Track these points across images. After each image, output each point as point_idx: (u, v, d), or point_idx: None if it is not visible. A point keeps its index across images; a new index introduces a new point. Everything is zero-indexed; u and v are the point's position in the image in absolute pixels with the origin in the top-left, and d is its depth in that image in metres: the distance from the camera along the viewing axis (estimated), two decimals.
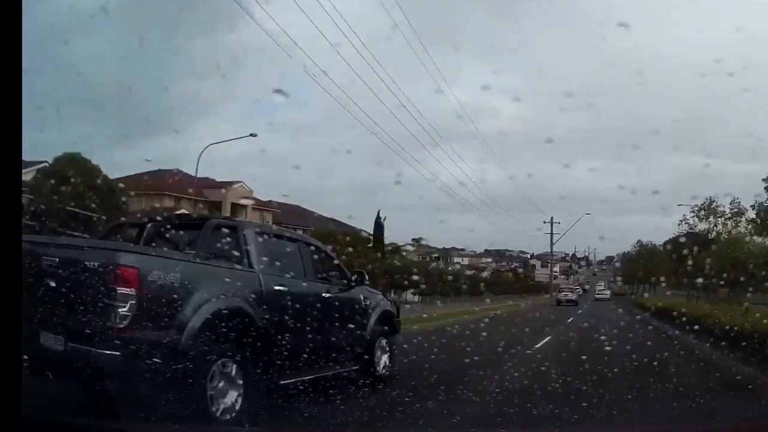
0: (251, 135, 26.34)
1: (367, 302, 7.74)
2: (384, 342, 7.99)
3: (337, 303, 6.99)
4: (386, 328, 8.14)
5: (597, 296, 58.76)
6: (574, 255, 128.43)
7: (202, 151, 25.93)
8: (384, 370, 7.90)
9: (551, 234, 66.85)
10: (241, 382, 5.17)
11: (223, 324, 5.04)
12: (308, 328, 6.18)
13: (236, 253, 5.73)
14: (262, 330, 5.51)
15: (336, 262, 7.76)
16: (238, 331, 5.23)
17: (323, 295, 6.79)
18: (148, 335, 4.52)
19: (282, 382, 5.74)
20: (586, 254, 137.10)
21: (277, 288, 5.90)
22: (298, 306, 6.02)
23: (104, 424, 3.26)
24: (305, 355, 6.09)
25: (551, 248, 68.76)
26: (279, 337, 5.72)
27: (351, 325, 7.23)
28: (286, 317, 5.88)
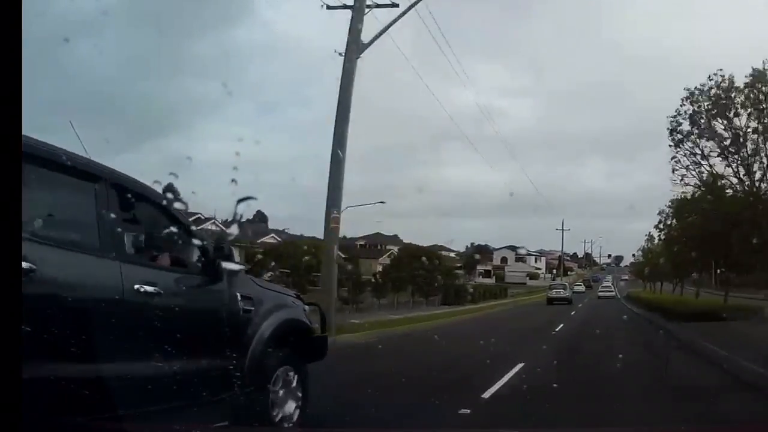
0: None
1: (249, 305, 4.59)
2: (290, 375, 4.92)
3: (174, 304, 3.94)
4: (293, 350, 5.00)
5: (600, 294, 58.16)
6: (575, 253, 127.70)
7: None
8: (289, 423, 4.80)
9: None
10: None
11: None
12: (101, 354, 3.32)
13: None
14: None
15: (183, 225, 4.39)
16: None
17: (138, 289, 3.65)
18: None
19: None
20: (589, 251, 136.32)
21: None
22: (72, 308, 3.21)
23: (104, 424, 3.23)
24: (87, 408, 3.19)
25: None
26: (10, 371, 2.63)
27: (211, 347, 4.24)
28: (48, 330, 3.00)
